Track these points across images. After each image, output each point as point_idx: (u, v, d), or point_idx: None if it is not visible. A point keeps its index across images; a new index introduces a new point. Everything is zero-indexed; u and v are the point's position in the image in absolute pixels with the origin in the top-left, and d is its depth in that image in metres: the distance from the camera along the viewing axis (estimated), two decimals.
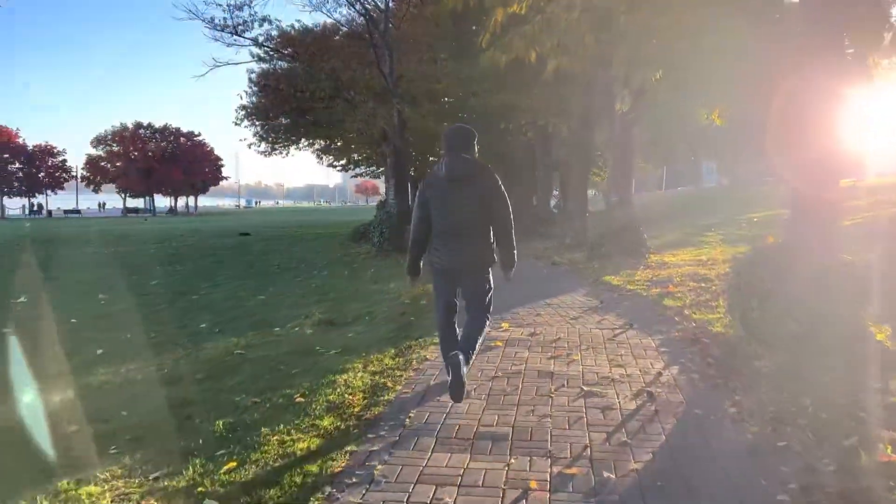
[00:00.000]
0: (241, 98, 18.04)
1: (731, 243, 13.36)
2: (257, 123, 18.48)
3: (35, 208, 73.61)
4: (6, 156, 69.67)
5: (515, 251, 4.56)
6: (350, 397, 4.42)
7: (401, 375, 4.87)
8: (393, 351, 5.68)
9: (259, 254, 15.46)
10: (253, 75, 17.45)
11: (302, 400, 4.45)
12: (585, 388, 4.55)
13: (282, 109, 17.83)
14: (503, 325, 6.62)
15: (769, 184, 41.88)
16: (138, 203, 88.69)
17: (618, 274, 10.08)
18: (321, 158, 23.19)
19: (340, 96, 14.28)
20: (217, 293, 9.73)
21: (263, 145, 23.61)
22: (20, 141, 71.05)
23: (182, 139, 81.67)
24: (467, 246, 4.35)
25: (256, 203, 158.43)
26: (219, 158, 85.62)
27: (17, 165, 71.13)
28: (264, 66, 17.36)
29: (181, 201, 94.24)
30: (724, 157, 51.16)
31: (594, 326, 6.55)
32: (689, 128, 31.04)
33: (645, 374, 4.87)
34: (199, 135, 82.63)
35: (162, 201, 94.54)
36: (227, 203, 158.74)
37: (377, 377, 4.89)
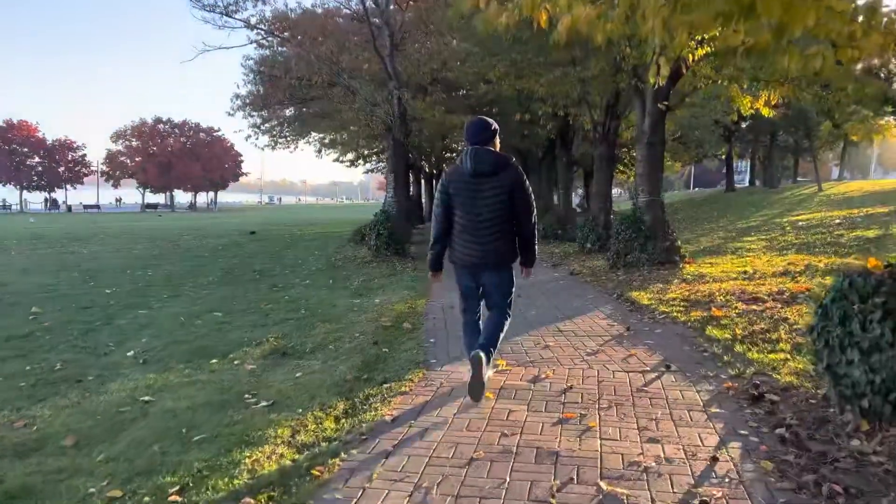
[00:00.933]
0: (238, 87, 16.66)
1: (779, 251, 11.67)
2: (253, 114, 17.11)
3: (49, 203, 73.22)
4: (25, 150, 69.61)
5: (537, 247, 4.57)
6: (249, 500, 2.92)
7: (335, 461, 3.35)
8: (342, 407, 4.18)
9: (246, 257, 14.06)
10: (251, 63, 16.14)
11: (178, 500, 2.97)
12: (605, 488, 3.00)
13: (277, 98, 16.46)
14: (499, 361, 5.10)
15: (802, 185, 39.70)
16: (159, 198, 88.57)
17: (647, 289, 8.49)
18: (320, 153, 21.75)
19: (339, 83, 12.83)
20: (172, 307, 8.30)
21: (266, 138, 22.31)
22: (40, 135, 70.89)
23: (202, 134, 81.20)
24: (492, 241, 4.28)
25: (278, 200, 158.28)
26: (239, 154, 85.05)
27: (37, 160, 71.04)
28: (263, 52, 16.04)
29: (204, 197, 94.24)
30: (755, 155, 48.99)
31: (618, 367, 4.99)
32: (720, 122, 29.12)
33: (692, 457, 3.31)
34: (219, 130, 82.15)
35: (183, 197, 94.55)
36: (250, 199, 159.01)
37: (304, 457, 3.39)
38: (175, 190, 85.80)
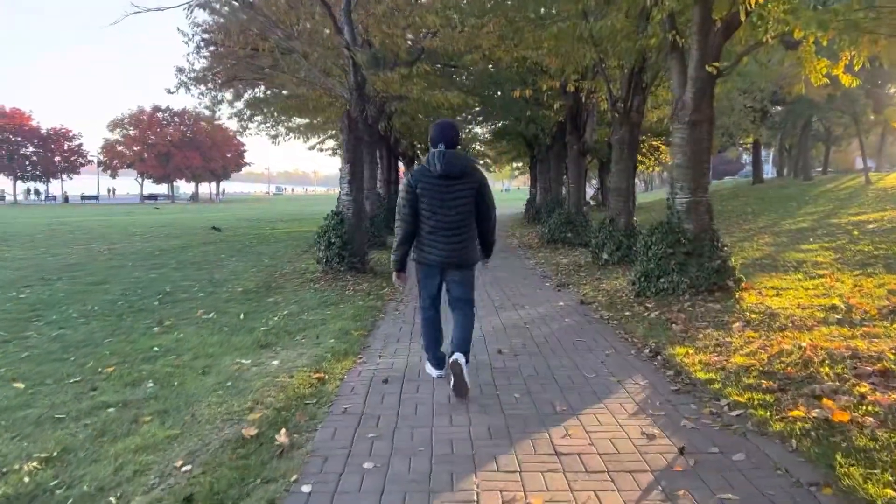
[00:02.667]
0: (188, 61, 13.77)
1: (860, 268, 8.66)
2: (195, 91, 14.18)
3: (32, 192, 70.78)
4: (19, 139, 67.36)
5: (494, 243, 4.81)
6: None
7: None
8: None
9: (174, 268, 11.22)
10: (198, 31, 13.23)
11: None
12: None
13: (219, 70, 13.53)
14: None
15: (836, 176, 36.20)
16: (161, 189, 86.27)
17: (695, 339, 5.58)
18: (275, 140, 18.68)
19: (279, 44, 9.90)
20: None
21: (235, 122, 19.44)
22: (34, 124, 68.59)
23: (203, 123, 78.50)
24: (460, 241, 4.43)
25: (285, 190, 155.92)
26: (241, 144, 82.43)
27: (31, 149, 68.80)
28: (211, 18, 13.12)
29: (208, 188, 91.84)
30: (783, 143, 45.47)
31: None
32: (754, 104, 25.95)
33: None
34: (220, 119, 79.37)
35: (188, 188, 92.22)
36: (258, 190, 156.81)
37: None
38: (179, 180, 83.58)
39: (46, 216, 32.56)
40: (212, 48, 13.27)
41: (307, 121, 18.71)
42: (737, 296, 7.20)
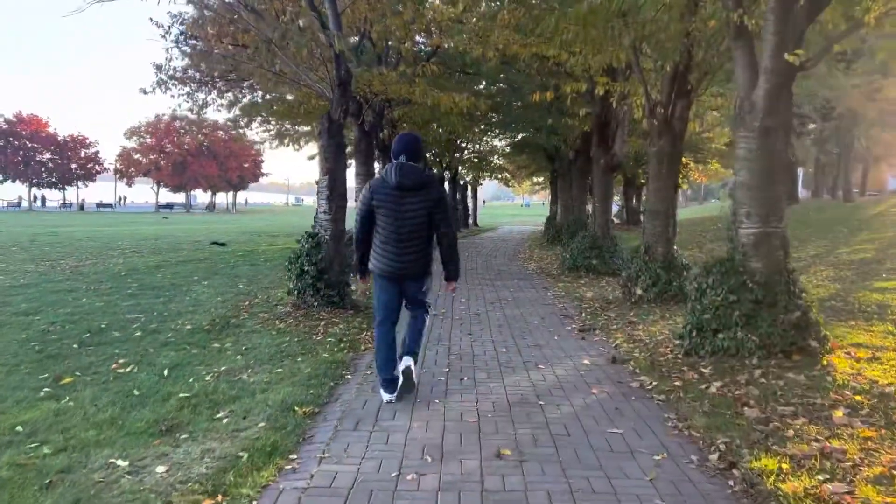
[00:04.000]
0: (166, 57, 12.22)
1: None
2: (175, 91, 12.59)
3: (39, 199, 69.99)
4: (35, 145, 66.93)
5: (459, 262, 4.76)
6: None
7: None
8: None
9: (127, 296, 9.61)
10: (175, 23, 11.71)
11: None
12: None
13: (200, 68, 11.99)
14: None
15: (880, 197, 33.85)
16: (178, 198, 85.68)
17: (785, 442, 3.79)
18: (274, 147, 17.13)
19: (258, 34, 8.28)
20: None
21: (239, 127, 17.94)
22: (51, 130, 68.19)
23: (220, 132, 77.67)
24: (412, 253, 4.47)
25: (303, 201, 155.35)
26: (258, 154, 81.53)
27: (48, 156, 68.34)
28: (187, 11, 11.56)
29: (228, 197, 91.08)
30: (819, 160, 43.09)
31: None
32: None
33: None
34: (236, 129, 78.52)
35: (205, 197, 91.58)
36: (278, 200, 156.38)
37: None
38: (195, 190, 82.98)
39: (44, 224, 31.34)
40: (192, 42, 11.69)
41: (308, 128, 17.11)
42: (824, 361, 5.36)
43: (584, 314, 8.45)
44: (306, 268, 7.68)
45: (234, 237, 23.78)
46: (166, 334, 6.98)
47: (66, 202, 75.08)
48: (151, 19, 10.63)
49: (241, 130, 17.06)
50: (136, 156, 71.48)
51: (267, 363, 5.75)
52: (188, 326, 7.34)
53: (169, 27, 10.98)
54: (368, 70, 9.45)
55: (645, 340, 6.75)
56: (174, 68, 12.32)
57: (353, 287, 8.34)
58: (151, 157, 70.96)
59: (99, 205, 76.26)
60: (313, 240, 7.75)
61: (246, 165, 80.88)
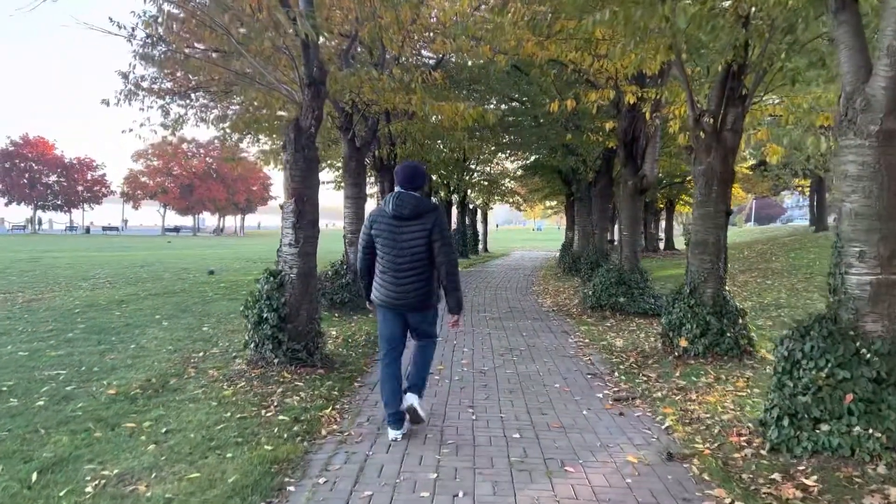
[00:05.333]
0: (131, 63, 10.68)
1: None
2: (144, 104, 11.06)
3: (38, 223, 68.79)
4: (42, 168, 66.26)
5: (461, 293, 4.54)
6: None
7: None
8: None
9: (63, 342, 8.05)
10: (139, 24, 10.19)
11: None
12: None
13: (173, 76, 10.53)
14: None
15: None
16: (186, 221, 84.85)
17: None
18: (261, 164, 15.50)
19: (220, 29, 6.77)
20: None
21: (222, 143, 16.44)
22: (57, 153, 67.57)
23: (222, 157, 76.72)
24: (411, 283, 4.38)
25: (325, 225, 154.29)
26: (267, 177, 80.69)
27: (54, 178, 67.63)
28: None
29: (236, 221, 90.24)
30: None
31: None
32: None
33: None
34: (244, 151, 77.73)
35: (213, 220, 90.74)
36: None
37: None
38: (202, 213, 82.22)
39: (36, 249, 30.02)
40: (161, 48, 10.19)
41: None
42: None
43: (616, 372, 6.74)
44: (265, 314, 6.04)
45: (228, 264, 22.26)
46: (77, 403, 5.35)
47: (72, 225, 74.18)
48: (111, 19, 9.16)
49: (231, 148, 15.44)
50: (143, 178, 70.69)
51: (184, 460, 4.10)
52: (112, 391, 5.71)
53: (133, 29, 9.50)
54: (356, 73, 7.90)
55: (705, 419, 5.05)
56: (141, 77, 10.82)
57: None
58: (158, 179, 70.14)
59: (105, 228, 75.38)
60: (275, 279, 6.13)
61: (254, 188, 79.99)
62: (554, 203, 39.84)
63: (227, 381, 5.93)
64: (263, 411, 5.08)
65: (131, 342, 7.95)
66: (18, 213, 73.70)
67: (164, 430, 4.68)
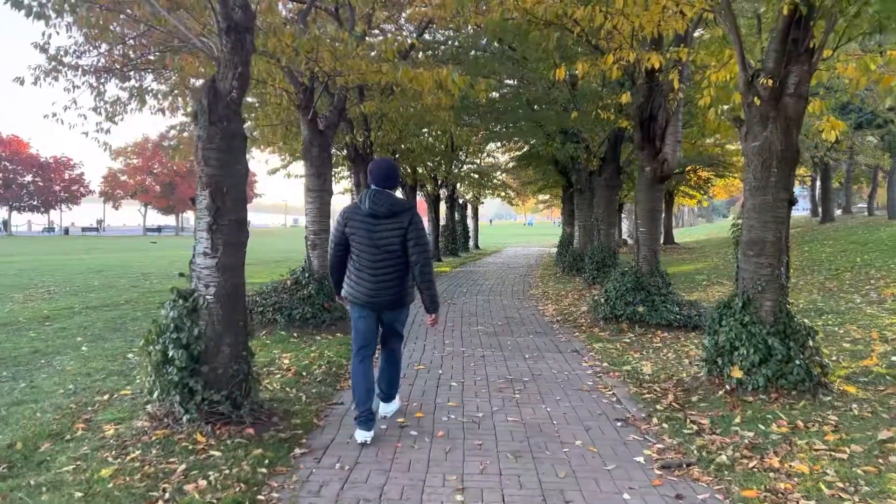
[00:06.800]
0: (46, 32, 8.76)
1: None
2: (72, 83, 9.33)
3: (3, 225, 66.24)
4: (16, 167, 63.99)
5: (436, 291, 4.57)
6: None
7: None
8: None
9: None
10: None
11: None
12: None
13: (99, 47, 8.76)
14: None
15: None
16: (169, 221, 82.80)
17: None
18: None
19: None
20: None
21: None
22: (33, 152, 65.28)
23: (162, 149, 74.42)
24: (386, 281, 4.39)
25: (298, 221, 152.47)
26: (252, 173, 78.59)
27: (29, 178, 65.36)
28: None
29: None
30: (849, 175, 39.66)
31: None
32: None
33: None
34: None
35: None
36: (277, 222, 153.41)
37: None
38: (185, 212, 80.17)
39: None
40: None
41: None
42: None
43: (654, 417, 5.06)
44: (171, 352, 4.32)
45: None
46: None
47: (51, 226, 71.97)
48: None
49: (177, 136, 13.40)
50: (123, 177, 68.52)
51: None
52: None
53: None
54: (308, 34, 6.17)
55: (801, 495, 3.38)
56: (63, 50, 9.00)
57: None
58: (138, 178, 68.01)
59: (85, 229, 73.13)
60: (185, 302, 4.40)
61: None
62: (547, 197, 38.16)
63: (117, 448, 4.19)
64: None
65: (26, 378, 6.20)
66: None
67: None
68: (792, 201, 5.69)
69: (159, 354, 4.41)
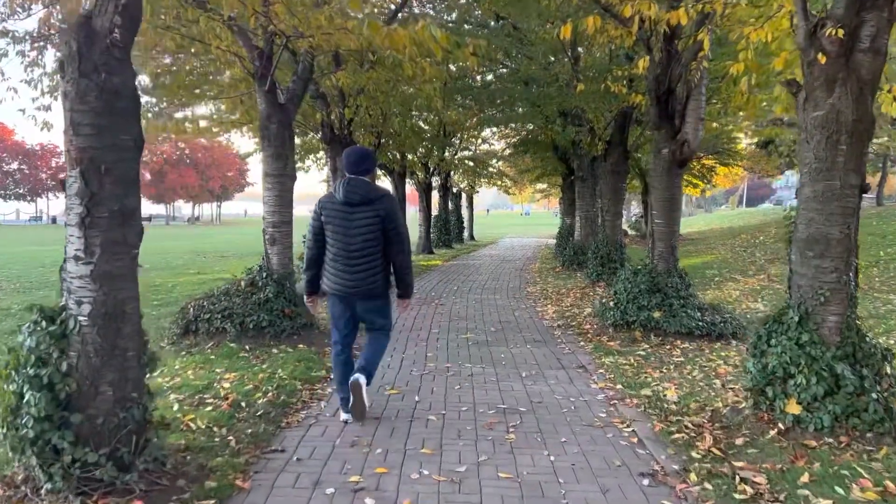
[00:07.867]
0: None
1: None
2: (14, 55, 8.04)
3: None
4: (2, 154, 62.51)
5: (412, 279, 4.57)
6: None
7: None
8: None
9: None
10: None
11: None
12: None
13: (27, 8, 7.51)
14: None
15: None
16: (159, 209, 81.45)
17: None
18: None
19: None
20: None
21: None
22: (17, 139, 63.75)
23: (202, 140, 73.04)
24: (363, 270, 4.32)
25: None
26: (244, 163, 76.94)
27: (15, 165, 63.90)
28: None
29: (213, 209, 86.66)
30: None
31: None
32: None
33: None
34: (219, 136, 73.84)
35: (189, 208, 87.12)
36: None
37: None
38: (176, 200, 78.85)
39: None
40: None
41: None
42: None
43: (690, 471, 3.84)
44: (28, 395, 3.09)
45: (172, 259, 19.20)
46: None
47: (38, 215, 70.55)
48: None
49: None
50: None
51: None
52: None
53: None
54: None
55: None
56: None
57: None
58: None
59: None
60: (51, 326, 3.17)
61: (229, 174, 76.60)
62: (545, 185, 36.85)
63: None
64: None
65: None
66: None
67: None
68: (864, 188, 4.45)
69: (12, 399, 3.17)
